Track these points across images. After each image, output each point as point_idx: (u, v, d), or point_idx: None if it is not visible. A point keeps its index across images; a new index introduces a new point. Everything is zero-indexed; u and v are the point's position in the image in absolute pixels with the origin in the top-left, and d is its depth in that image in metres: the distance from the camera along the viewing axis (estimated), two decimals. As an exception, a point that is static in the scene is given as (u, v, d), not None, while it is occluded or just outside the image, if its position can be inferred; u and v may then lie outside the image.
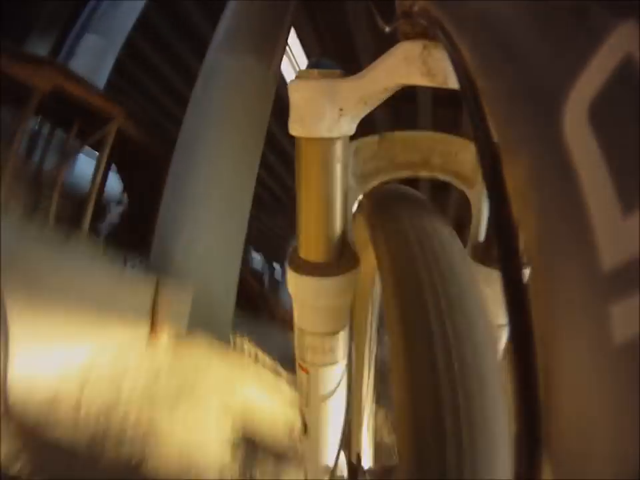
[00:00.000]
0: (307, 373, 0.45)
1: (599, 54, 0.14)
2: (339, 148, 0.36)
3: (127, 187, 5.25)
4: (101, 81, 4.55)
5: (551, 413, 0.15)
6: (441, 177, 0.42)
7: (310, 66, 0.35)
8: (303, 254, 0.40)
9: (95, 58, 4.69)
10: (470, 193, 0.41)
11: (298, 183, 0.38)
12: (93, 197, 3.73)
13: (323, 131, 0.34)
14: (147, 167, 4.10)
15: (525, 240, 0.17)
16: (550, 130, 0.15)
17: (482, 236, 0.41)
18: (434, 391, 0.23)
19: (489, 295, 0.33)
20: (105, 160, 3.81)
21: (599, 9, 0.14)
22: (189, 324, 2.32)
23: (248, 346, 3.29)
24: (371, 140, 0.42)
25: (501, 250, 0.18)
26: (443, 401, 0.23)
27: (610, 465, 0.12)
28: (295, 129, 0.35)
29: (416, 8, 0.30)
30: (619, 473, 0.12)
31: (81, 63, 4.41)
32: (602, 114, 0.14)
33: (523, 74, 0.17)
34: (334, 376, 0.45)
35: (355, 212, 0.41)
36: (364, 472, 0.52)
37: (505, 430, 0.23)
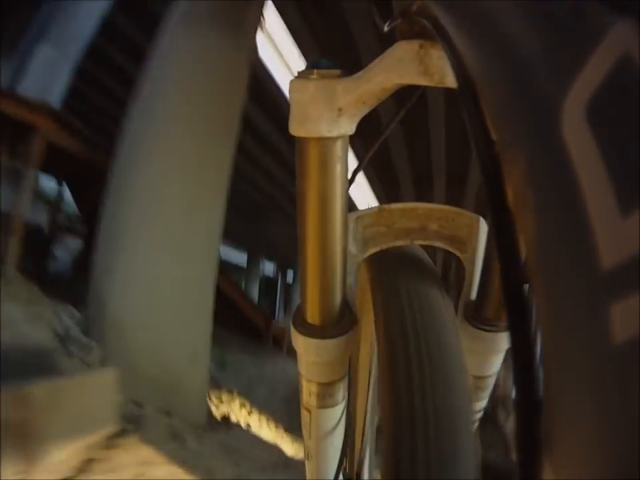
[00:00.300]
0: (309, 412, 0.50)
1: (596, 53, 0.14)
2: (338, 148, 0.36)
3: (82, 212, 4.32)
4: (56, 93, 3.96)
5: (551, 413, 0.15)
6: (437, 243, 0.45)
7: (309, 66, 0.35)
8: (305, 316, 0.43)
9: (47, 71, 3.93)
10: (464, 258, 0.45)
11: (298, 185, 0.38)
12: (17, 225, 2.80)
13: (322, 131, 0.35)
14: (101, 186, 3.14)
15: (523, 240, 0.17)
16: (548, 129, 0.15)
17: (473, 297, 0.46)
18: (410, 420, 0.30)
19: (477, 350, 0.45)
20: (28, 180, 2.97)
21: (596, 9, 0.14)
22: (135, 410, 1.64)
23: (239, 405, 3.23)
24: (371, 210, 0.45)
25: (501, 251, 0.18)
26: (417, 427, 0.29)
27: (611, 465, 0.12)
28: (294, 128, 0.35)
29: (414, 7, 0.30)
30: (619, 473, 0.12)
31: (31, 77, 3.75)
32: (600, 113, 0.14)
33: (521, 73, 0.17)
34: (333, 415, 0.51)
35: (358, 274, 0.46)
36: None
37: (469, 444, 0.30)
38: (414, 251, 0.44)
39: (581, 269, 0.14)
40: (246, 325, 5.98)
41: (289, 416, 3.80)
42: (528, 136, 0.16)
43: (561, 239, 0.15)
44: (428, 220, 0.44)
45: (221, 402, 3.21)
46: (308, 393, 0.49)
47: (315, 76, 0.34)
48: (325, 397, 0.48)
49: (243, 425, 3.24)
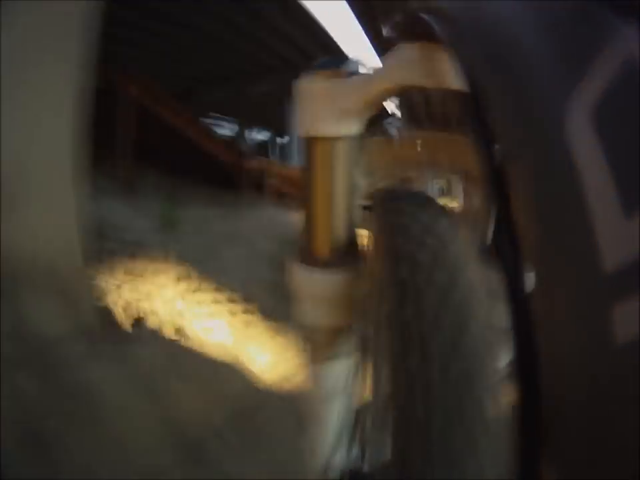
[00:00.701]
0: (311, 366, 0.46)
1: (601, 56, 0.14)
2: (345, 147, 0.37)
3: None
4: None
5: (553, 413, 0.15)
6: (450, 174, 0.43)
7: (317, 67, 0.36)
8: (309, 248, 0.41)
9: None
10: (477, 191, 0.42)
11: (307, 181, 0.39)
12: None
13: (329, 131, 0.35)
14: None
15: (527, 240, 0.17)
16: (553, 132, 0.15)
17: (490, 236, 0.42)
18: (423, 394, 0.24)
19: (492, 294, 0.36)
20: None
21: (601, 12, 0.14)
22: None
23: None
24: (380, 140, 0.44)
25: (504, 251, 0.18)
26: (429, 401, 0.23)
27: (612, 464, 0.12)
28: (302, 129, 0.36)
29: (417, 9, 0.30)
30: (620, 472, 0.12)
31: None
32: (604, 115, 0.14)
33: (526, 75, 0.17)
34: (336, 372, 0.46)
35: (365, 209, 0.42)
36: (363, 471, 0.53)
37: (487, 433, 0.23)
38: (424, 194, 0.41)
39: (583, 270, 0.14)
40: (213, 169, 4.78)
41: (274, 287, 2.28)
42: (533, 138, 0.16)
43: (564, 240, 0.15)
44: (437, 150, 0.43)
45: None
46: (309, 344, 0.45)
47: (321, 77, 0.35)
48: (327, 346, 0.45)
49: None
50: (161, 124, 4.04)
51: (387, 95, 0.35)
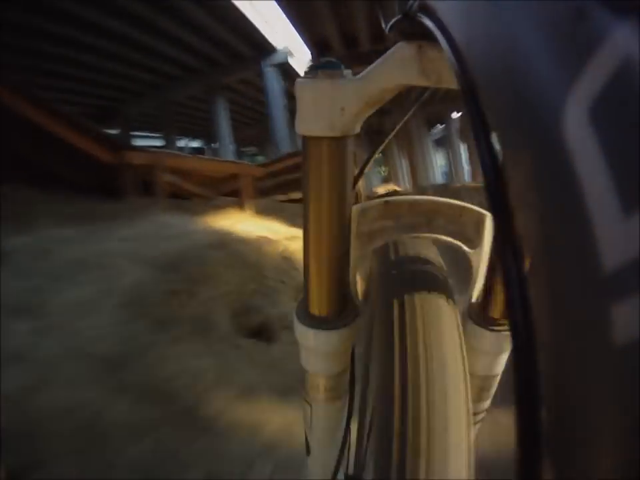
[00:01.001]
0: (311, 406, 0.51)
1: (599, 54, 0.14)
2: (343, 147, 0.37)
3: None
4: None
5: (552, 414, 0.15)
6: (444, 237, 0.46)
7: (314, 66, 0.36)
8: (309, 307, 0.44)
9: None
10: (471, 254, 0.45)
11: (303, 182, 0.39)
12: None
13: (326, 130, 0.36)
14: None
15: (525, 241, 0.17)
16: (550, 131, 0.15)
17: (479, 295, 0.46)
18: (402, 417, 0.31)
19: (481, 350, 0.46)
20: None
21: (598, 9, 0.14)
22: None
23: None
24: (378, 202, 0.45)
25: (502, 252, 0.18)
26: (407, 424, 0.31)
27: (612, 466, 0.12)
28: (301, 128, 0.37)
29: (415, 7, 0.30)
30: (620, 474, 0.12)
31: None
32: (603, 115, 0.14)
33: (523, 75, 0.17)
34: (334, 412, 0.52)
35: (365, 266, 0.47)
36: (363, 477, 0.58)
37: (460, 440, 0.31)
38: (420, 245, 0.45)
39: (582, 270, 0.14)
40: (84, 169, 3.85)
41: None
42: (530, 137, 0.16)
43: (562, 241, 0.15)
44: (435, 214, 0.45)
45: None
46: (312, 387, 0.49)
47: (319, 76, 0.35)
48: (326, 390, 0.49)
49: None
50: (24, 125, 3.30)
51: (386, 94, 0.35)
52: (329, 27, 8.29)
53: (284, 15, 8.06)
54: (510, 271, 0.17)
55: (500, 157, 0.18)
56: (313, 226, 0.40)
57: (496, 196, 0.18)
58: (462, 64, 0.21)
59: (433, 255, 0.46)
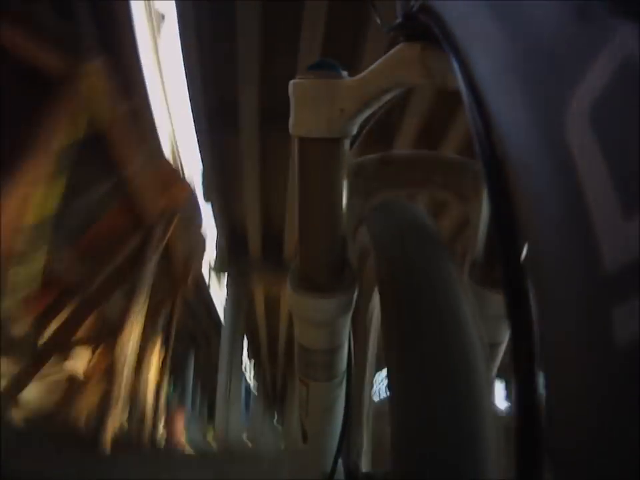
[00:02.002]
0: (307, 386, 0.47)
1: (600, 55, 0.14)
2: (339, 148, 0.36)
3: None
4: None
5: (552, 415, 0.15)
6: (442, 194, 0.43)
7: (311, 66, 0.35)
8: (302, 272, 0.41)
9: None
10: (470, 212, 0.43)
11: (298, 185, 0.38)
12: None
13: (323, 132, 0.35)
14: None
15: (525, 241, 0.17)
16: (552, 132, 0.15)
17: (481, 255, 0.43)
18: (424, 399, 0.28)
19: (485, 314, 0.40)
20: None
21: (600, 10, 0.14)
22: None
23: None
24: (373, 158, 0.43)
25: (502, 253, 0.18)
26: (433, 408, 0.27)
27: (611, 466, 0.12)
28: (295, 129, 0.35)
29: (417, 8, 0.30)
30: (620, 474, 0.12)
31: None
32: (604, 115, 0.14)
33: (525, 76, 0.17)
34: (332, 390, 0.47)
35: (359, 228, 0.43)
36: (361, 476, 0.54)
37: (490, 433, 0.27)
38: (414, 209, 0.42)
39: (582, 271, 0.14)
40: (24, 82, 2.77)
41: None
42: (532, 138, 0.16)
43: (563, 241, 0.15)
44: (432, 170, 0.43)
45: None
46: (305, 363, 0.45)
47: (316, 77, 0.35)
48: (324, 367, 0.45)
49: None
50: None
51: (385, 95, 0.35)
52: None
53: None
54: (510, 274, 0.17)
55: (501, 157, 0.18)
56: (310, 225, 0.39)
57: (497, 197, 0.18)
58: (463, 64, 0.21)
59: (428, 219, 0.41)
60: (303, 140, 0.36)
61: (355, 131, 0.36)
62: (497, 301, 0.41)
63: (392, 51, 0.33)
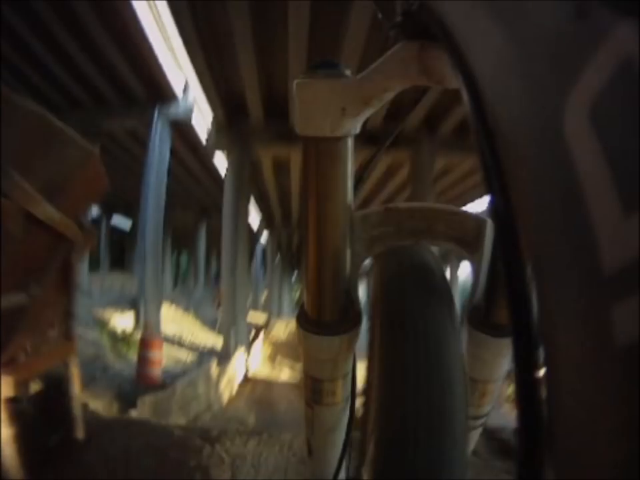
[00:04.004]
0: (312, 408, 0.50)
1: (599, 54, 0.14)
2: (343, 147, 0.37)
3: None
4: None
5: (553, 414, 0.15)
6: (444, 243, 0.45)
7: (314, 66, 0.36)
8: (310, 312, 0.44)
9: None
10: (472, 259, 0.44)
11: (303, 181, 0.39)
12: None
13: (326, 130, 0.35)
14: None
15: (526, 241, 0.17)
16: (551, 130, 0.15)
17: (481, 302, 0.45)
18: (402, 421, 0.31)
19: (482, 355, 0.45)
20: None
21: (599, 9, 0.14)
22: None
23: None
24: (378, 209, 0.45)
25: (504, 253, 0.18)
26: (408, 428, 0.31)
27: (612, 466, 0.12)
28: (300, 127, 0.36)
29: (416, 7, 0.30)
30: (620, 474, 0.12)
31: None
32: (603, 114, 0.14)
33: (524, 74, 0.17)
34: (336, 413, 0.51)
35: (368, 272, 0.47)
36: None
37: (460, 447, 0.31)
38: (422, 252, 0.44)
39: (583, 270, 0.14)
40: None
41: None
42: (531, 136, 0.16)
43: (563, 241, 0.15)
44: (435, 220, 0.44)
45: None
46: (311, 390, 0.49)
47: (319, 76, 0.35)
48: (327, 394, 0.48)
49: None
50: None
51: (386, 94, 0.35)
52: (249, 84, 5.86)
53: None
54: (511, 274, 0.17)
55: (501, 156, 0.18)
56: (313, 227, 0.39)
57: (498, 197, 0.18)
58: (462, 63, 0.21)
59: (434, 262, 0.44)
60: (306, 139, 0.36)
61: (357, 130, 0.37)
62: (492, 345, 0.44)
63: (391, 50, 0.34)
